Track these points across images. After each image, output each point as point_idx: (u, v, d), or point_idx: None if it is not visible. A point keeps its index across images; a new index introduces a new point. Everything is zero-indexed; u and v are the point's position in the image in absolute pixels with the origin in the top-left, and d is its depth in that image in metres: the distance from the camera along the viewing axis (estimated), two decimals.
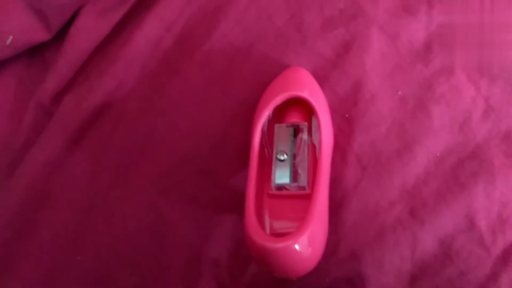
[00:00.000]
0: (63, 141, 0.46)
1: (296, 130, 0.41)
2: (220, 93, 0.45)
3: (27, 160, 0.46)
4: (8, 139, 0.47)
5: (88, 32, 0.50)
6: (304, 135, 0.40)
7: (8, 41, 0.47)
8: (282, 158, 0.38)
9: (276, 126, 0.41)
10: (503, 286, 0.39)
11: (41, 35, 0.49)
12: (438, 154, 0.42)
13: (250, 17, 0.48)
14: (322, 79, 0.44)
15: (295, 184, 0.38)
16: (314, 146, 0.40)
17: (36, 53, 0.51)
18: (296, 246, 0.31)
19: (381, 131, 0.42)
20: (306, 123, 0.40)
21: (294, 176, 0.38)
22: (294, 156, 0.39)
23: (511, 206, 0.40)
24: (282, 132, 0.40)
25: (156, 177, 0.44)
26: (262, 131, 0.39)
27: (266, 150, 0.41)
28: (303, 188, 0.38)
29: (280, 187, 0.38)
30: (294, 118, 0.40)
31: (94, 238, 0.44)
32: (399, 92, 0.43)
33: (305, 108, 0.41)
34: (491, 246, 0.40)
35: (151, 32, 0.49)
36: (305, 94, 0.39)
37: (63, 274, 0.43)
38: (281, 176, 0.38)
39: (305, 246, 0.31)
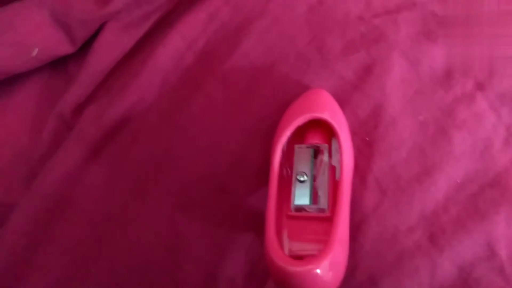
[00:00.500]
0: (82, 153, 0.46)
1: (316, 152, 0.40)
2: (240, 111, 0.46)
3: (46, 171, 0.46)
4: (28, 149, 0.48)
5: (111, 46, 0.50)
6: (325, 157, 0.40)
7: (34, 53, 0.48)
8: (302, 179, 0.38)
9: (296, 146, 0.41)
10: None
11: (66, 48, 0.50)
12: (458, 181, 0.41)
13: (272, 37, 0.48)
14: (343, 101, 0.44)
15: (314, 206, 0.38)
16: (334, 168, 0.40)
17: (60, 65, 0.52)
18: (318, 271, 0.30)
19: (402, 155, 0.42)
20: (326, 145, 0.40)
21: (314, 198, 0.38)
22: (314, 178, 0.39)
23: None
24: (302, 153, 0.40)
25: (173, 192, 0.44)
26: (282, 151, 0.39)
27: (285, 170, 0.41)
28: (322, 210, 0.38)
29: (300, 209, 0.38)
30: (315, 139, 0.40)
31: (109, 251, 0.43)
32: (420, 117, 0.43)
33: (326, 129, 0.41)
34: (511, 278, 0.39)
35: (173, 48, 0.50)
36: (326, 115, 0.39)
37: (76, 285, 0.43)
38: (301, 197, 0.38)
39: (326, 270, 0.31)
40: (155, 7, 0.53)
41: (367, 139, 0.43)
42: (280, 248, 0.32)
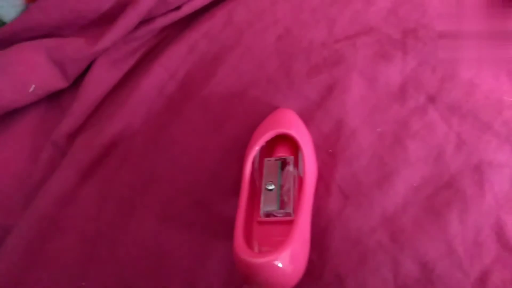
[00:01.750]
0: (74, 177, 0.49)
1: (284, 164, 0.44)
2: (216, 132, 0.49)
3: (41, 194, 0.49)
4: (26, 175, 0.51)
5: (100, 80, 0.55)
6: (290, 167, 0.43)
7: (31, 89, 0.52)
8: (270, 187, 0.42)
9: (266, 160, 0.44)
10: None
11: (60, 84, 0.54)
12: (415, 184, 0.44)
13: (244, 65, 0.53)
14: (308, 118, 0.47)
15: (281, 211, 0.41)
16: (300, 178, 0.44)
17: (55, 99, 0.56)
18: (278, 262, 0.33)
19: (362, 164, 0.45)
20: (292, 157, 0.43)
21: (281, 204, 0.41)
22: (281, 187, 0.43)
23: (485, 232, 0.42)
24: (270, 165, 0.44)
25: (157, 208, 0.47)
26: (253, 165, 0.43)
27: (257, 182, 0.44)
28: (289, 214, 0.41)
29: (268, 214, 0.41)
30: (282, 152, 0.44)
31: (99, 265, 0.46)
32: (378, 129, 0.46)
33: (292, 144, 0.45)
34: (469, 270, 0.41)
35: (156, 79, 0.54)
36: (291, 131, 0.43)
37: None
38: (269, 204, 0.41)
39: (286, 262, 0.34)
40: (140, 43, 0.58)
41: (330, 151, 0.46)
42: (245, 245, 0.36)
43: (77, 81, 0.55)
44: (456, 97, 0.47)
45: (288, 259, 0.34)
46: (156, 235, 0.46)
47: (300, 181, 0.43)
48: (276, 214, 0.41)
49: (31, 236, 0.47)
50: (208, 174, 0.48)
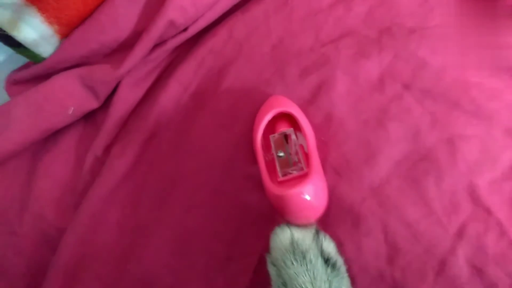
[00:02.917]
0: (112, 180, 0.57)
1: (286, 137, 0.51)
2: (227, 132, 0.56)
3: (87, 197, 0.57)
4: (73, 183, 0.59)
5: (126, 98, 0.62)
6: (293, 136, 0.50)
7: (71, 111, 0.60)
8: (281, 154, 0.49)
9: (271, 136, 0.51)
10: (460, 257, 0.46)
11: (93, 104, 0.62)
12: (396, 159, 0.50)
13: (245, 74, 0.59)
14: None
15: (296, 167, 0.48)
16: (301, 146, 0.51)
17: (90, 117, 0.64)
18: (304, 194, 0.43)
19: (350, 146, 0.52)
20: (292, 129, 0.50)
21: (294, 164, 0.49)
22: (290, 154, 0.50)
23: (459, 193, 0.48)
24: (276, 140, 0.50)
25: (183, 200, 0.55)
26: (262, 145, 0.50)
27: (268, 157, 0.51)
28: (302, 169, 0.48)
29: (285, 173, 0.49)
30: (283, 128, 0.51)
31: (138, 251, 0.54)
32: (362, 116, 0.53)
33: (289, 121, 0.53)
34: (448, 226, 0.47)
35: (172, 93, 0.61)
36: (288, 109, 0.51)
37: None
38: (284, 165, 0.49)
39: (311, 193, 0.44)
40: (156, 64, 0.66)
41: (323, 138, 0.52)
42: (274, 184, 0.46)
43: (107, 101, 0.63)
44: (427, 83, 0.53)
45: (312, 191, 0.44)
46: (184, 222, 0.54)
47: (302, 147, 0.51)
48: (291, 172, 0.49)
49: (81, 233, 0.55)
50: (223, 167, 0.55)
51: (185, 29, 0.65)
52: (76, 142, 0.63)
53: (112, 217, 0.56)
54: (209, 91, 0.61)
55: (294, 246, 0.41)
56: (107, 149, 0.61)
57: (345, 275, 0.42)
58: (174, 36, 0.64)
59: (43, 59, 0.63)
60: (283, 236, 0.43)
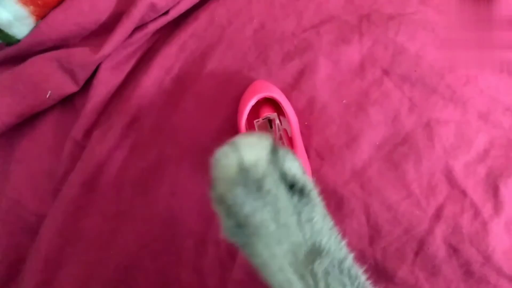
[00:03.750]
0: (93, 166, 0.54)
1: (270, 122, 0.49)
2: (210, 116, 0.54)
3: (67, 183, 0.53)
4: (52, 168, 0.55)
5: (106, 82, 0.58)
6: (277, 120, 0.48)
7: (48, 95, 0.55)
8: None
9: (255, 121, 0.49)
10: (437, 237, 0.46)
11: (71, 88, 0.58)
12: (377, 143, 0.50)
13: (228, 58, 0.57)
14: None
15: None
16: (285, 130, 0.49)
17: (68, 101, 0.59)
18: None
19: (333, 130, 0.51)
20: (275, 114, 0.49)
21: None
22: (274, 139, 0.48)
23: (436, 176, 0.48)
24: (260, 125, 0.49)
25: (167, 184, 0.52)
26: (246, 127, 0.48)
27: None
28: None
29: None
30: (266, 112, 0.49)
31: (121, 237, 0.51)
32: (344, 101, 0.52)
33: (273, 106, 0.50)
34: (426, 207, 0.47)
35: (154, 77, 0.58)
36: (272, 93, 0.48)
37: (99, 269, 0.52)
38: None
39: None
40: (136, 47, 0.62)
41: (306, 123, 0.51)
42: None
43: (86, 84, 0.59)
44: (406, 68, 0.53)
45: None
46: (169, 207, 0.51)
47: (285, 132, 0.49)
48: None
49: (62, 219, 0.52)
50: (208, 152, 0.52)
51: (166, 12, 0.61)
52: (54, 127, 0.58)
53: (94, 203, 0.53)
54: (191, 74, 0.58)
55: (244, 174, 0.29)
56: (87, 133, 0.57)
57: (317, 200, 0.32)
58: (155, 19, 0.61)
59: (18, 41, 0.58)
60: (228, 162, 0.30)
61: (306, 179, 0.31)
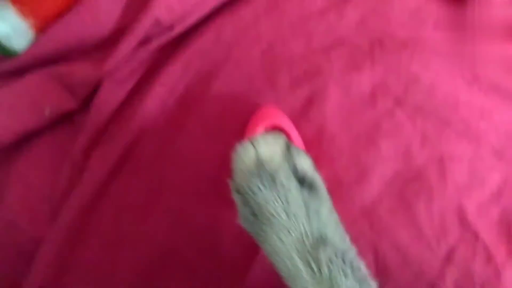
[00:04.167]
0: (93, 189, 0.51)
1: None
2: (215, 142, 0.51)
3: (65, 208, 0.50)
4: (49, 192, 0.52)
5: (108, 100, 0.55)
6: None
7: (47, 112, 0.52)
8: None
9: None
10: (448, 282, 0.44)
11: (71, 105, 0.54)
12: (388, 179, 0.47)
13: (235, 80, 0.53)
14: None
15: None
16: None
17: (68, 119, 0.56)
18: None
19: (342, 163, 0.48)
20: None
21: None
22: None
23: (448, 216, 0.45)
24: None
25: (169, 214, 0.49)
26: None
27: None
28: None
29: None
30: None
31: (121, 264, 0.48)
32: (354, 132, 0.49)
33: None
34: (437, 249, 0.45)
35: (157, 95, 0.54)
36: (277, 122, 0.46)
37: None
38: None
39: None
40: (139, 63, 0.58)
41: (314, 154, 0.48)
42: None
43: (86, 102, 0.56)
44: (419, 99, 0.49)
45: None
46: (169, 238, 0.48)
47: None
48: None
49: (59, 246, 0.49)
50: (211, 180, 0.50)
51: (170, 27, 0.57)
52: (53, 146, 0.55)
53: (92, 228, 0.50)
54: (196, 95, 0.54)
55: (260, 167, 0.34)
56: (87, 154, 0.54)
57: (325, 195, 0.36)
58: (159, 35, 0.57)
59: (16, 54, 0.55)
60: (246, 156, 0.35)
61: (315, 175, 0.36)
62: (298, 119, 0.50)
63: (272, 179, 0.33)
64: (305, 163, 0.36)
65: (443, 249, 0.45)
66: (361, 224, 0.46)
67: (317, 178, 0.36)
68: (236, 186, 0.35)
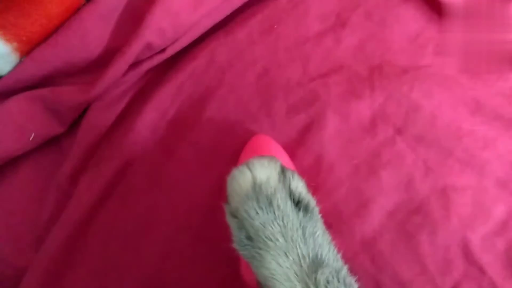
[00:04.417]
0: (80, 217, 0.47)
1: None
2: (207, 170, 0.48)
3: (51, 235, 0.47)
4: (34, 218, 0.49)
5: (96, 124, 0.52)
6: None
7: (31, 137, 0.50)
8: None
9: None
10: None
11: (57, 130, 0.52)
12: (389, 211, 0.44)
13: (229, 105, 0.51)
14: (290, 155, 0.46)
15: None
16: None
17: (54, 143, 0.53)
18: None
19: (341, 194, 0.45)
20: None
21: None
22: None
23: (453, 250, 0.43)
24: None
25: (159, 245, 0.46)
26: None
27: None
28: None
29: None
30: None
31: None
32: (354, 161, 0.46)
33: None
34: (441, 285, 0.42)
35: (148, 119, 0.52)
36: (270, 155, 0.42)
37: None
38: None
39: None
40: (129, 85, 0.55)
41: (313, 184, 0.46)
42: None
43: (73, 125, 0.53)
44: (420, 128, 0.48)
45: None
46: (159, 270, 0.45)
47: None
48: None
49: (44, 276, 0.46)
50: (203, 211, 0.47)
51: (162, 50, 0.55)
52: (38, 172, 0.52)
53: (79, 258, 0.47)
54: (189, 120, 0.52)
55: (257, 190, 0.33)
56: (74, 179, 0.51)
57: (319, 217, 0.35)
58: (150, 58, 0.55)
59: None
60: (242, 179, 0.34)
61: (310, 197, 0.35)
62: (295, 147, 0.48)
63: (269, 202, 0.32)
64: (299, 185, 0.35)
65: (448, 284, 0.42)
66: (362, 258, 0.43)
67: (312, 201, 0.35)
68: (231, 210, 0.34)
